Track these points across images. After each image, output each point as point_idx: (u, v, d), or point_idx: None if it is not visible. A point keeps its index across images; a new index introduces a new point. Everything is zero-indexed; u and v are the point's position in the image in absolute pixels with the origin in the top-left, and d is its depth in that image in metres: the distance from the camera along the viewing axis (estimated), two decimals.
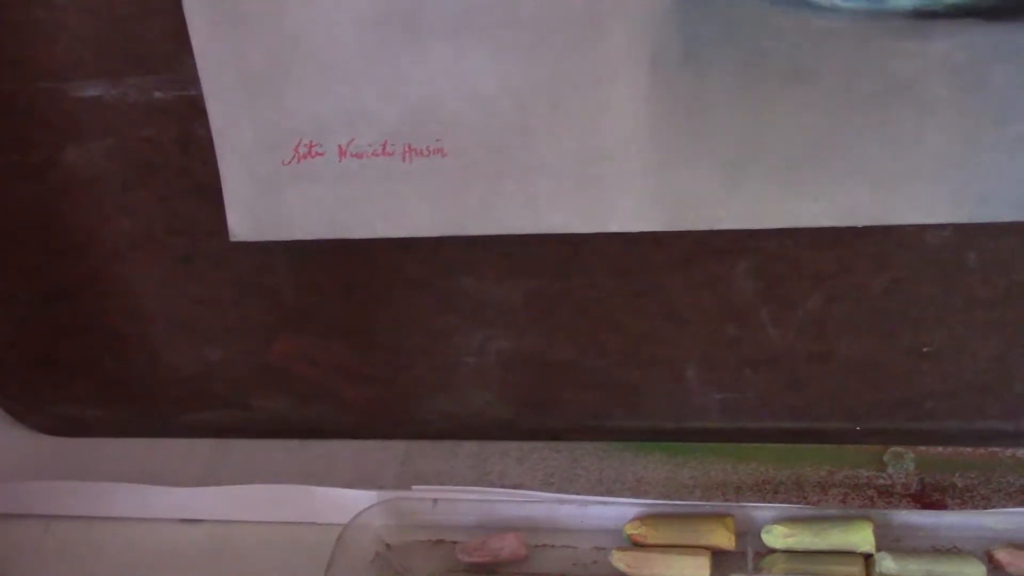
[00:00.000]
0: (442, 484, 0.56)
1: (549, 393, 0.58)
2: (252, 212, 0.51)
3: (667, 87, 0.46)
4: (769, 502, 0.54)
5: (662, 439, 0.58)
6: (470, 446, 0.59)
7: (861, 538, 0.50)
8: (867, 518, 0.51)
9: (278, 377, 0.60)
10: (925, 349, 0.54)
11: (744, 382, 0.56)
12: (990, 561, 0.50)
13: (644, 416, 0.58)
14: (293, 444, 0.61)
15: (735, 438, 0.57)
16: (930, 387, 0.55)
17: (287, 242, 0.53)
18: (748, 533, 0.52)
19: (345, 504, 0.55)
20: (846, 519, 0.51)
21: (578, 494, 0.55)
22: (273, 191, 0.50)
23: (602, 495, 0.55)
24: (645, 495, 0.55)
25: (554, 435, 0.59)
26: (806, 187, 0.47)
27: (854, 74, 0.44)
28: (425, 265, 0.54)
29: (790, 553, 0.51)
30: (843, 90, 0.45)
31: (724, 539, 0.51)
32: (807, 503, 0.53)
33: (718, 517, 0.52)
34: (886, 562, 0.49)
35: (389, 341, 0.57)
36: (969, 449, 0.55)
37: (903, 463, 0.55)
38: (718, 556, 0.52)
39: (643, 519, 0.53)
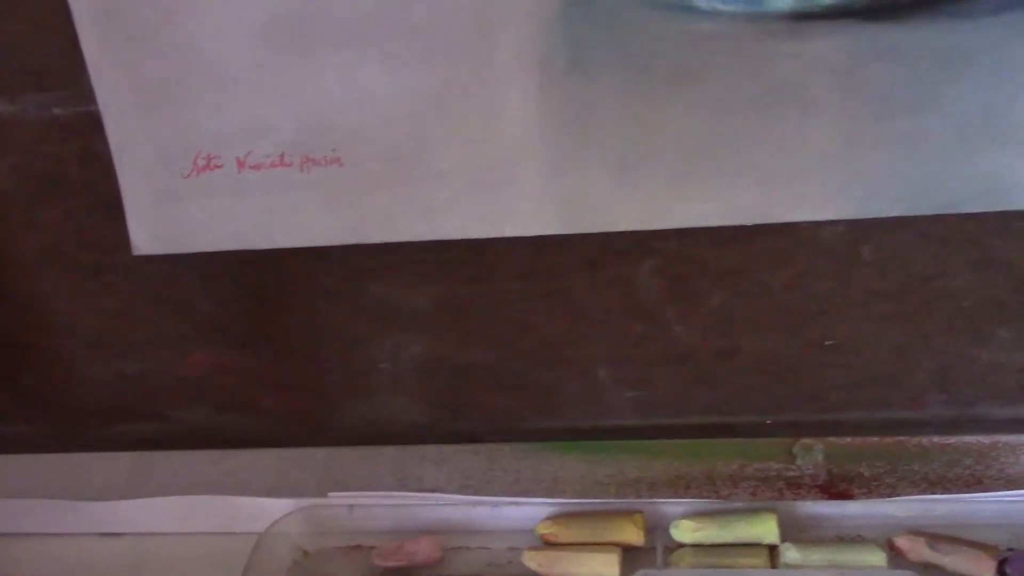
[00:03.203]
0: (361, 490, 0.57)
1: (465, 397, 0.59)
2: (154, 225, 0.51)
3: (557, 92, 0.46)
4: (682, 497, 0.54)
5: (578, 438, 0.59)
6: (390, 451, 0.60)
7: (766, 530, 0.51)
8: (772, 510, 0.52)
9: (195, 388, 0.60)
10: (828, 342, 0.55)
11: (654, 380, 0.57)
12: (891, 548, 0.51)
13: (559, 416, 0.59)
14: (215, 455, 0.61)
15: (649, 435, 0.58)
16: (835, 379, 0.56)
17: (196, 254, 0.53)
18: (658, 528, 0.53)
19: (263, 513, 0.55)
20: (752, 512, 0.52)
21: (495, 495, 0.56)
22: (174, 204, 0.51)
23: (519, 496, 0.56)
24: (562, 494, 0.56)
25: (472, 438, 0.60)
26: (697, 187, 0.48)
27: (737, 75, 0.45)
28: (334, 273, 0.55)
29: (698, 547, 0.52)
30: (728, 91, 0.46)
31: (633, 535, 0.52)
32: (718, 497, 0.54)
33: (628, 514, 0.53)
34: (790, 553, 0.50)
35: (303, 349, 0.58)
36: (876, 439, 0.57)
37: (812, 454, 0.56)
38: (629, 552, 0.52)
39: (554, 518, 0.54)
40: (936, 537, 0.50)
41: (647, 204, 0.48)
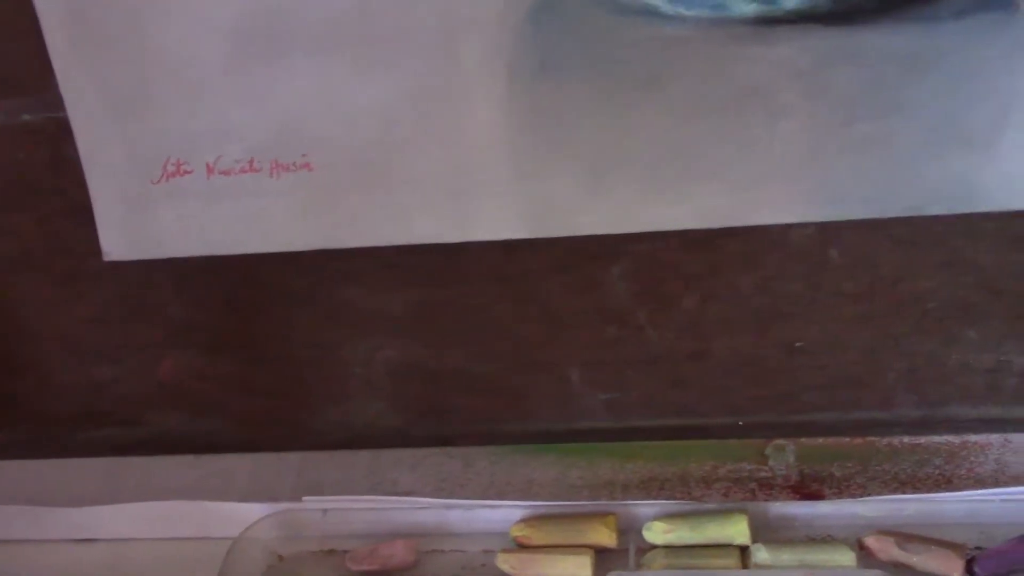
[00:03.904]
0: (336, 494, 0.57)
1: (439, 400, 0.59)
2: (124, 232, 0.51)
3: (525, 97, 0.47)
4: (655, 499, 0.55)
5: (552, 441, 0.59)
6: (365, 455, 0.60)
7: (737, 531, 0.52)
8: (743, 511, 0.52)
9: (169, 393, 0.60)
10: (798, 344, 0.55)
11: (627, 382, 0.57)
12: (861, 548, 0.51)
13: (533, 419, 0.59)
14: (190, 459, 0.61)
15: (622, 437, 0.58)
16: (806, 380, 0.56)
17: (168, 259, 0.54)
18: (631, 530, 0.53)
19: (237, 518, 0.55)
20: (723, 513, 0.52)
21: (470, 498, 0.56)
22: (144, 210, 0.51)
23: (494, 499, 0.56)
24: (536, 497, 0.56)
25: (447, 441, 0.60)
26: (666, 191, 0.48)
27: (704, 80, 0.46)
28: (307, 278, 0.55)
29: (670, 548, 0.52)
30: (695, 96, 0.46)
31: (606, 537, 0.52)
32: (691, 499, 0.55)
33: (600, 516, 0.53)
34: (760, 553, 0.51)
35: (277, 354, 0.58)
36: (847, 439, 0.57)
37: (784, 455, 0.57)
38: (601, 554, 0.53)
39: (527, 521, 0.54)
40: (905, 536, 0.51)
41: (616, 208, 0.49)
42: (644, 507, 0.54)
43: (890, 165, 0.46)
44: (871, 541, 0.51)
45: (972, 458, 0.55)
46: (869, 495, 0.54)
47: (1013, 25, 0.43)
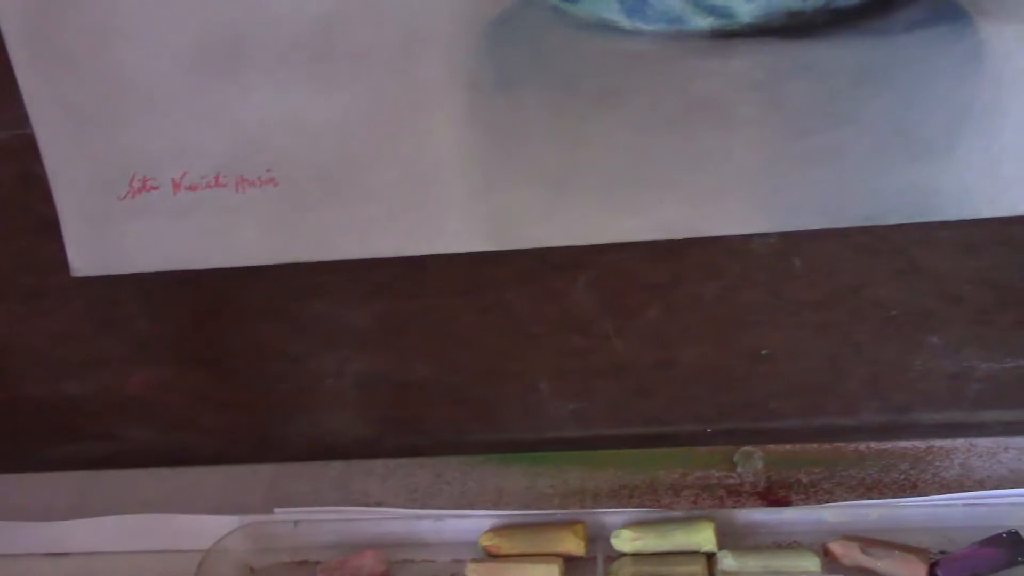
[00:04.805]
0: (306, 505, 0.57)
1: (409, 411, 0.59)
2: (91, 247, 0.52)
3: (485, 111, 0.47)
4: (624, 507, 0.55)
5: (522, 450, 0.59)
6: (336, 466, 0.60)
7: (703, 538, 0.52)
8: (710, 519, 0.53)
9: (140, 407, 0.60)
10: (763, 352, 0.55)
11: (594, 391, 0.57)
12: (826, 554, 0.52)
13: (503, 429, 0.60)
14: (163, 472, 0.62)
15: (591, 446, 0.59)
16: (772, 388, 0.57)
17: (136, 274, 0.54)
18: (599, 538, 0.54)
19: (208, 530, 0.56)
20: (690, 520, 0.53)
21: (441, 508, 0.56)
22: (111, 226, 0.51)
23: (464, 508, 0.56)
24: (507, 506, 0.56)
25: (418, 451, 0.60)
26: (624, 203, 0.49)
27: (661, 93, 0.46)
28: (274, 292, 0.55)
29: (638, 556, 0.53)
30: (652, 109, 0.47)
31: (574, 546, 0.53)
32: (659, 506, 0.55)
33: (569, 524, 0.54)
34: (727, 560, 0.51)
35: (246, 367, 0.58)
36: (814, 445, 0.58)
37: (752, 462, 0.57)
38: (570, 562, 0.53)
39: (497, 530, 0.54)
40: (869, 542, 0.51)
41: (577, 220, 0.49)
42: (612, 515, 0.54)
43: (845, 176, 0.47)
44: (836, 547, 0.51)
45: (937, 463, 0.56)
46: (836, 500, 0.54)
47: (964, 37, 0.44)
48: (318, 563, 0.55)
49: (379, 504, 0.57)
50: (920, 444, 0.57)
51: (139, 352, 0.58)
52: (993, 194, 0.47)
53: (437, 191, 0.48)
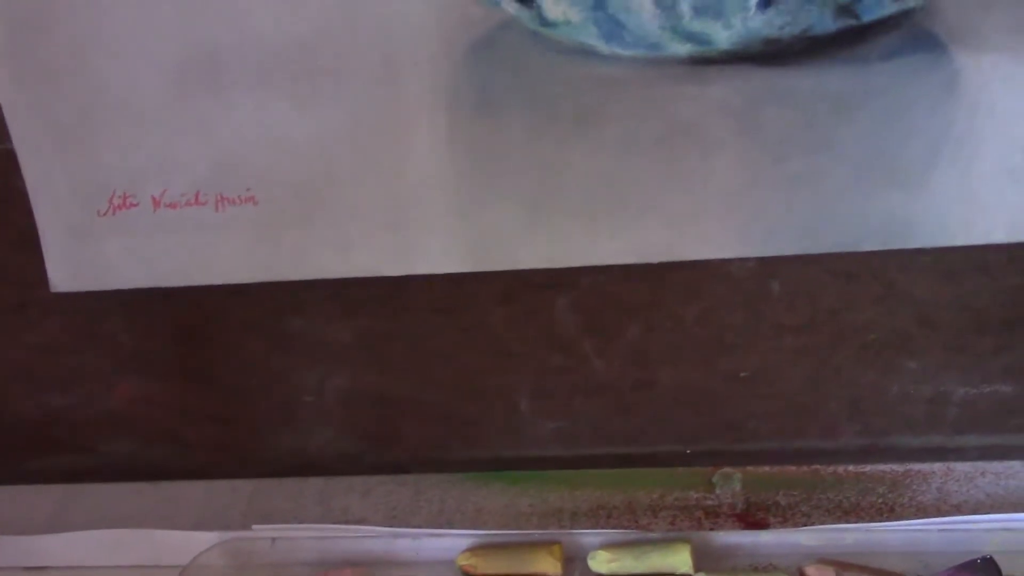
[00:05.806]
0: (286, 522, 0.57)
1: (390, 428, 0.60)
2: (71, 263, 0.52)
3: (465, 132, 0.47)
4: (602, 527, 0.55)
5: (502, 469, 0.59)
6: (316, 482, 0.60)
7: (680, 560, 0.52)
8: (686, 540, 0.53)
9: (122, 421, 0.60)
10: (743, 374, 0.56)
11: (575, 411, 0.58)
12: None
13: (483, 447, 0.60)
14: (143, 487, 0.61)
15: (571, 465, 0.59)
16: (751, 409, 0.57)
17: (116, 289, 0.54)
18: (576, 559, 0.54)
19: (186, 546, 0.56)
20: (666, 542, 0.53)
21: (420, 526, 0.56)
22: (90, 242, 0.51)
23: (443, 527, 0.56)
24: (485, 525, 0.56)
25: (399, 468, 0.60)
26: (603, 226, 0.49)
27: (640, 118, 0.46)
28: (254, 308, 0.55)
29: None
30: (631, 133, 0.47)
31: (551, 566, 0.53)
32: (638, 527, 0.55)
33: (546, 545, 0.54)
34: None
35: (227, 382, 0.58)
36: (793, 468, 0.58)
37: (730, 483, 0.57)
38: None
39: (474, 550, 0.54)
40: (845, 565, 0.51)
41: (556, 243, 0.49)
42: (589, 536, 0.54)
43: (822, 202, 0.47)
44: (811, 570, 0.51)
45: (915, 487, 0.56)
46: (814, 523, 0.54)
47: (940, 66, 0.44)
48: None
49: (359, 521, 0.57)
50: (898, 468, 0.57)
51: (120, 366, 0.58)
52: (969, 221, 0.47)
53: (417, 212, 0.49)
